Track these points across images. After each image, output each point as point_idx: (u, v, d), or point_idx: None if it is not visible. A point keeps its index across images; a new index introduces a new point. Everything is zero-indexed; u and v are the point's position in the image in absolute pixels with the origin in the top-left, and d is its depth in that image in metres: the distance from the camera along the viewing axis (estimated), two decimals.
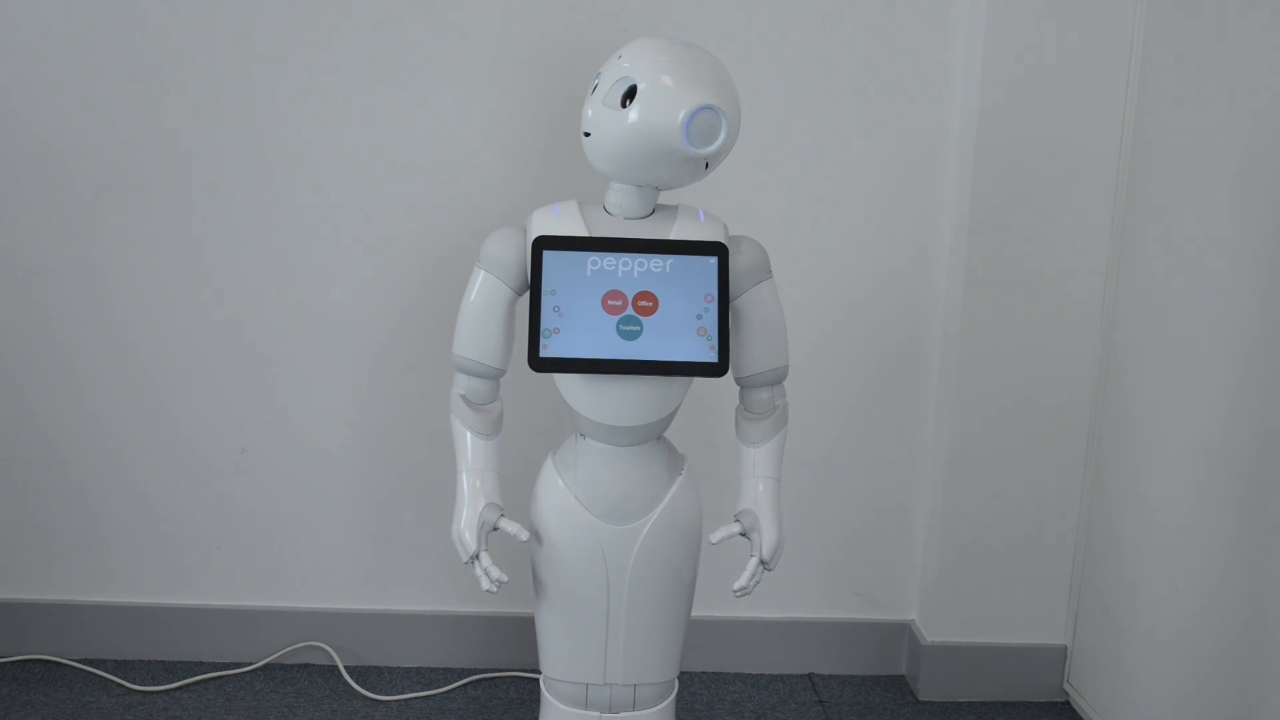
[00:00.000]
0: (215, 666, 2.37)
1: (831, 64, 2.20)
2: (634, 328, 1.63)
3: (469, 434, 1.75)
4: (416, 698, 2.31)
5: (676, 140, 1.55)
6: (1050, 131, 2.16)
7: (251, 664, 2.37)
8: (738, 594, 1.71)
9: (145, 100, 2.16)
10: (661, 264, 1.64)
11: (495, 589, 1.67)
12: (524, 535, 1.70)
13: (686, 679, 2.40)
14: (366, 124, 2.19)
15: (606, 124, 1.59)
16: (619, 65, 1.59)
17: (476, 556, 1.68)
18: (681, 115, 1.53)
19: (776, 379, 1.77)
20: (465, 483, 1.73)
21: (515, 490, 1.84)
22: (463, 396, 1.75)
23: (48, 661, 2.35)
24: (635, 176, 1.64)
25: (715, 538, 1.73)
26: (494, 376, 1.75)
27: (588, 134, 1.63)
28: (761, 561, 1.72)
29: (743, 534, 1.74)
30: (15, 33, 2.13)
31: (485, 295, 1.70)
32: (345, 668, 2.36)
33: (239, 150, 2.19)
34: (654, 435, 1.73)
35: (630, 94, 1.56)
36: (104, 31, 2.13)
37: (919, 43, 2.20)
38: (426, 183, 2.22)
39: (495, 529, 1.71)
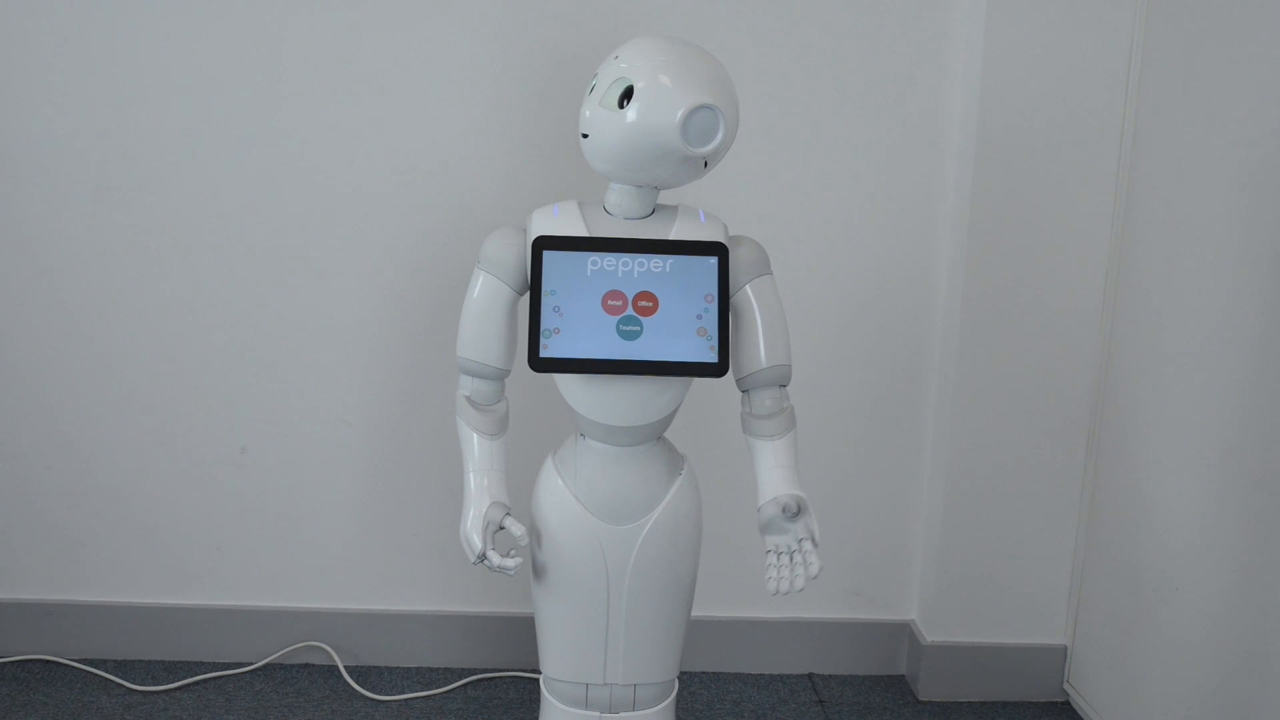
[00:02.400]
0: (215, 666, 2.36)
1: (831, 67, 2.20)
2: (634, 328, 1.63)
3: (475, 435, 1.74)
4: (416, 698, 2.31)
5: (675, 140, 1.54)
6: (1050, 135, 2.15)
7: (251, 664, 2.37)
8: (797, 589, 1.64)
9: (145, 101, 2.16)
10: (661, 264, 1.63)
11: (513, 571, 1.66)
12: (524, 540, 1.69)
13: (686, 679, 2.40)
14: (366, 124, 2.19)
15: (604, 125, 1.58)
16: (615, 65, 1.59)
17: (484, 556, 1.68)
18: (679, 114, 1.53)
19: (779, 379, 1.73)
20: (472, 483, 1.73)
21: (515, 490, 1.84)
22: (467, 398, 1.75)
23: (48, 661, 2.35)
24: (634, 176, 1.63)
25: (768, 514, 1.65)
26: (498, 377, 1.74)
27: (585, 135, 1.62)
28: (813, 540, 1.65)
29: (793, 515, 1.65)
30: (15, 32, 2.13)
31: (486, 296, 1.70)
32: (345, 668, 2.36)
33: (239, 150, 2.19)
34: (654, 435, 1.73)
35: (628, 94, 1.56)
36: (104, 32, 2.13)
37: (919, 48, 2.20)
38: (426, 182, 2.22)
39: (501, 528, 1.71)
